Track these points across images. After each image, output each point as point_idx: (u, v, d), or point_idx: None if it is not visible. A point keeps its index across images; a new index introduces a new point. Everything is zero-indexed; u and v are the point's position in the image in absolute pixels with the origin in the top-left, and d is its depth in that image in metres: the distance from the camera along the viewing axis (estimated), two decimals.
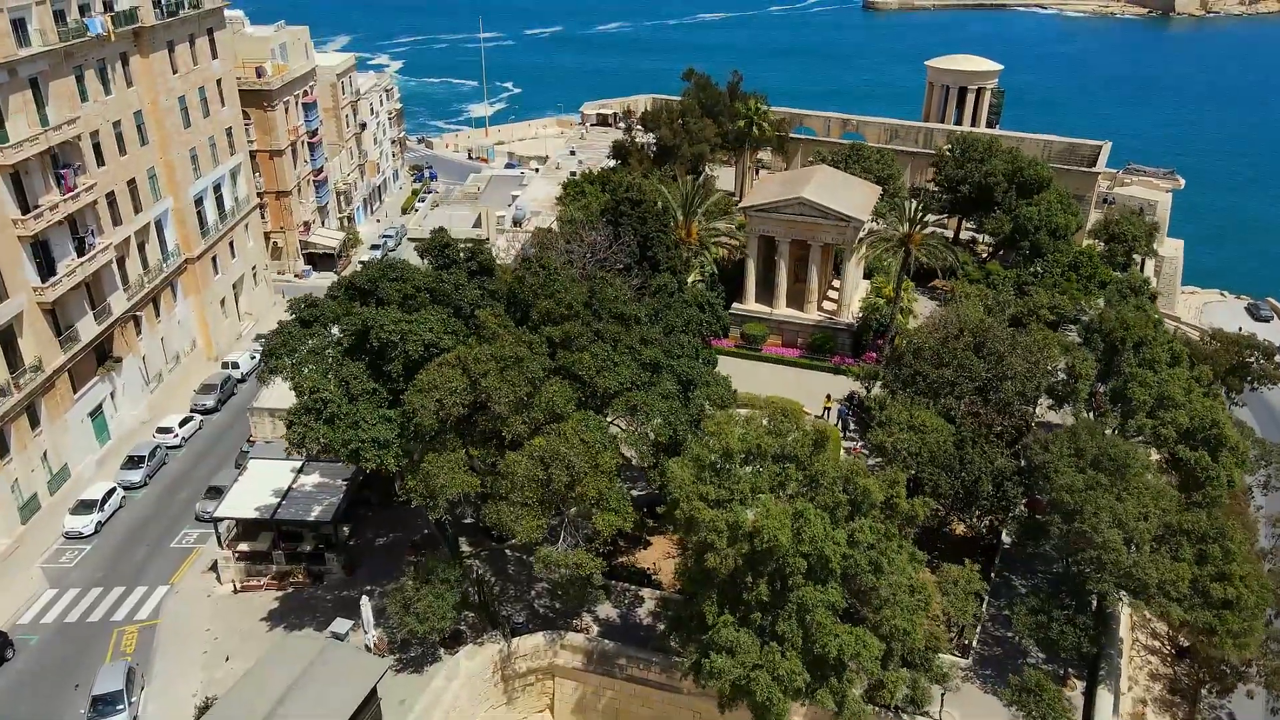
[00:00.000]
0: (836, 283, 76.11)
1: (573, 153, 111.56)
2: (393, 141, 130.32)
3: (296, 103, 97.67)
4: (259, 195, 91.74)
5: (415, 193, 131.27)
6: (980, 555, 50.29)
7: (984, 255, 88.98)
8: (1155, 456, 50.63)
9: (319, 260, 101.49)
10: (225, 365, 75.87)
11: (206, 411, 70.05)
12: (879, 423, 53.47)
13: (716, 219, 76.85)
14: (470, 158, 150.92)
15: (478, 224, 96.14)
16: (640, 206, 62.06)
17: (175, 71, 72.32)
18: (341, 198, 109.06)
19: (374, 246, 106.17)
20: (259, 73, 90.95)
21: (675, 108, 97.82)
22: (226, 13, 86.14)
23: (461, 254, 45.94)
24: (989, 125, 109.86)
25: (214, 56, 78.90)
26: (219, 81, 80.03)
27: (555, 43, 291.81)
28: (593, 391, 40.66)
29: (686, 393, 43.59)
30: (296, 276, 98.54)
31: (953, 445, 50.42)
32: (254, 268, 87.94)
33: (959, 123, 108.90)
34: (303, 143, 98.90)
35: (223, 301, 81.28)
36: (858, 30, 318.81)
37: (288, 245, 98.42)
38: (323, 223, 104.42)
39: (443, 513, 39.27)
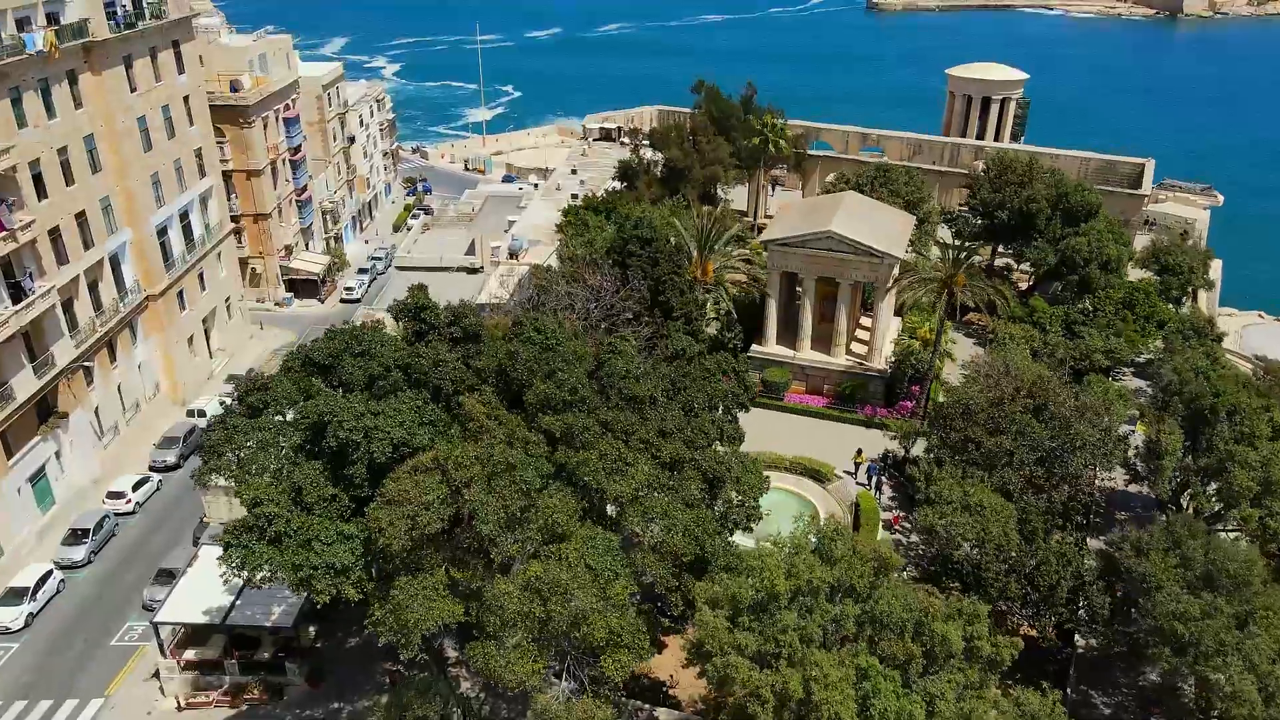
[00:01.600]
0: (866, 321, 68.85)
1: (574, 171, 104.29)
2: (384, 154, 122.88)
3: (277, 118, 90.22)
4: (235, 219, 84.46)
5: (408, 208, 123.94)
6: (1051, 664, 43.38)
7: (1022, 286, 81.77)
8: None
9: (301, 286, 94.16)
10: (190, 414, 68.41)
11: (166, 469, 62.85)
12: (927, 499, 46.63)
13: (732, 244, 69.73)
14: (467, 169, 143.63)
15: (471, 250, 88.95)
16: (651, 245, 54.92)
17: (134, 89, 64.99)
18: (328, 217, 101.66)
19: (362, 270, 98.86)
20: (234, 86, 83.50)
21: (685, 124, 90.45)
22: (200, 21, 78.95)
23: (443, 317, 38.75)
24: (1014, 138, 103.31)
25: (180, 71, 71.52)
26: (186, 98, 72.62)
27: (555, 45, 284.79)
28: (601, 496, 33.46)
29: (713, 490, 36.35)
30: (277, 305, 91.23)
31: (1018, 533, 43.52)
32: (228, 299, 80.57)
33: (982, 134, 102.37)
34: (284, 160, 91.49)
35: (190, 339, 73.95)
36: (862, 31, 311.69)
37: (267, 271, 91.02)
38: (307, 245, 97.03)
39: (417, 651, 32.11)
